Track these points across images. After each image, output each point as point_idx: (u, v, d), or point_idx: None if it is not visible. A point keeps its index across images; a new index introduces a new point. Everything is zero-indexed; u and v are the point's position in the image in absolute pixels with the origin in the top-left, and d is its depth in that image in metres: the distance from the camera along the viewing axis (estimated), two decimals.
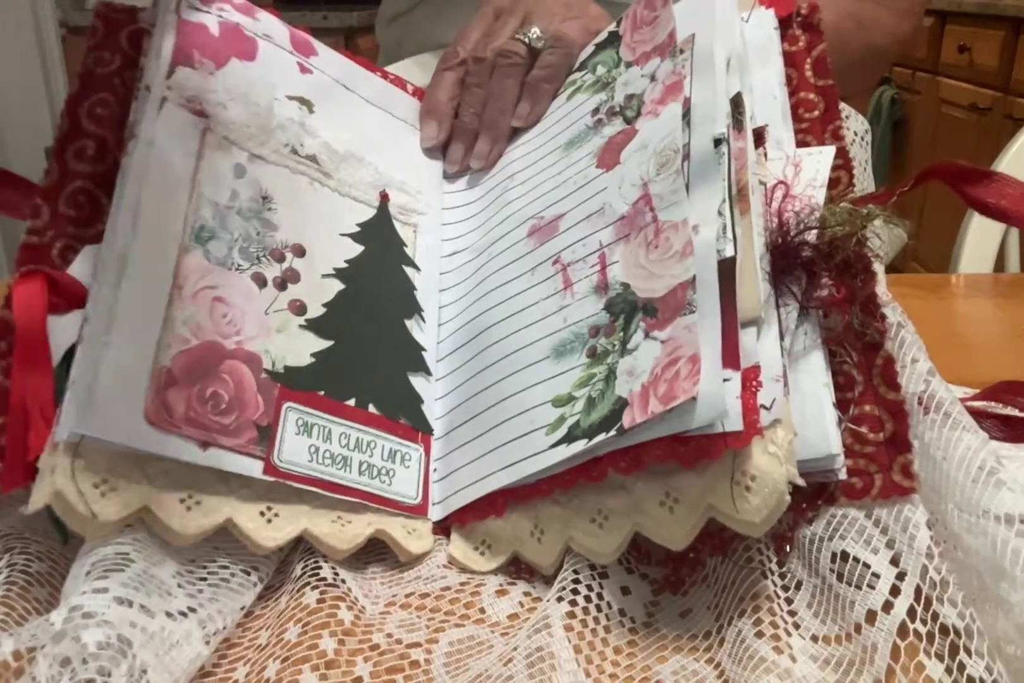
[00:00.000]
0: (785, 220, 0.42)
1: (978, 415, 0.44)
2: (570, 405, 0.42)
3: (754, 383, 0.37)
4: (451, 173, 0.58)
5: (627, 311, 0.42)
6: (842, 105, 0.54)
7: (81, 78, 0.48)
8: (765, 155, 0.45)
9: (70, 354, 0.39)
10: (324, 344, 0.46)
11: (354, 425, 0.44)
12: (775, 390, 0.38)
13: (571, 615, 0.38)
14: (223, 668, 0.37)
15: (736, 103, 0.44)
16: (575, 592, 0.39)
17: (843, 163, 0.46)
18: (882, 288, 0.44)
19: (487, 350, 0.48)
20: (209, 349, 0.41)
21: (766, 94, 0.48)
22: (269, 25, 0.52)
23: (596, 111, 0.51)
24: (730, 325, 0.37)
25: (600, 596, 0.39)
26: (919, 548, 0.37)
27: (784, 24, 0.51)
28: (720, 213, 0.40)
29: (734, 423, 0.36)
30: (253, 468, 0.40)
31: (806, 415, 0.40)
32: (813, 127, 0.48)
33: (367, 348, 0.47)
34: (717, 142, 0.41)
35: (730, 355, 0.37)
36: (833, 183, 0.45)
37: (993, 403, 0.52)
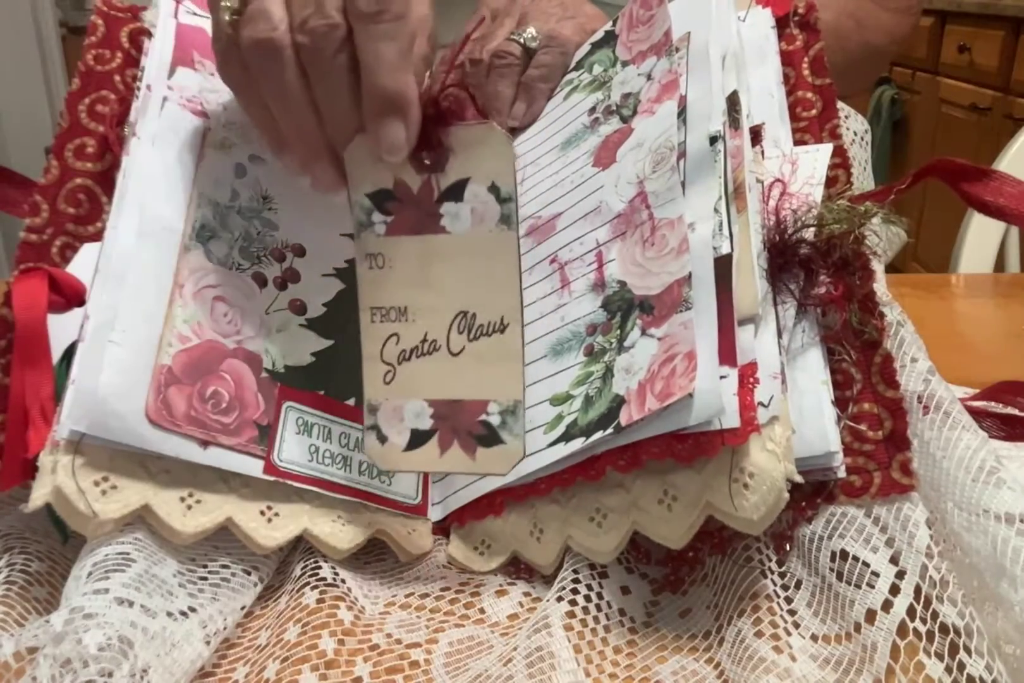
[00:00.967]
0: (783, 218, 0.42)
1: (978, 414, 0.44)
2: (568, 403, 0.42)
3: (751, 380, 0.37)
4: None
5: (624, 309, 0.42)
6: (841, 105, 0.54)
7: (81, 76, 0.48)
8: (762, 153, 0.45)
9: (70, 352, 0.39)
10: (324, 343, 0.46)
11: (354, 425, 0.44)
12: (773, 387, 0.38)
13: (571, 615, 0.38)
14: (223, 668, 0.37)
15: (732, 101, 0.44)
16: (575, 592, 0.39)
17: (841, 161, 0.46)
18: (882, 288, 0.44)
19: None
20: (210, 348, 0.41)
21: (763, 93, 0.48)
22: None
23: (593, 110, 0.51)
24: (727, 322, 0.37)
25: (600, 596, 0.39)
26: (919, 547, 0.37)
27: (781, 23, 0.51)
28: (716, 210, 0.40)
29: (731, 420, 0.36)
30: (253, 467, 0.40)
31: (804, 413, 0.40)
32: (811, 126, 0.48)
33: None
34: (713, 140, 0.41)
35: (727, 352, 0.37)
36: (831, 181, 0.45)
37: (993, 403, 0.52)
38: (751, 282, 0.39)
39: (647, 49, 0.49)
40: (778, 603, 0.38)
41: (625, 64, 0.51)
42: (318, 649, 0.36)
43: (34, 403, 0.38)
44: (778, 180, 0.43)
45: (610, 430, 0.38)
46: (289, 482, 0.41)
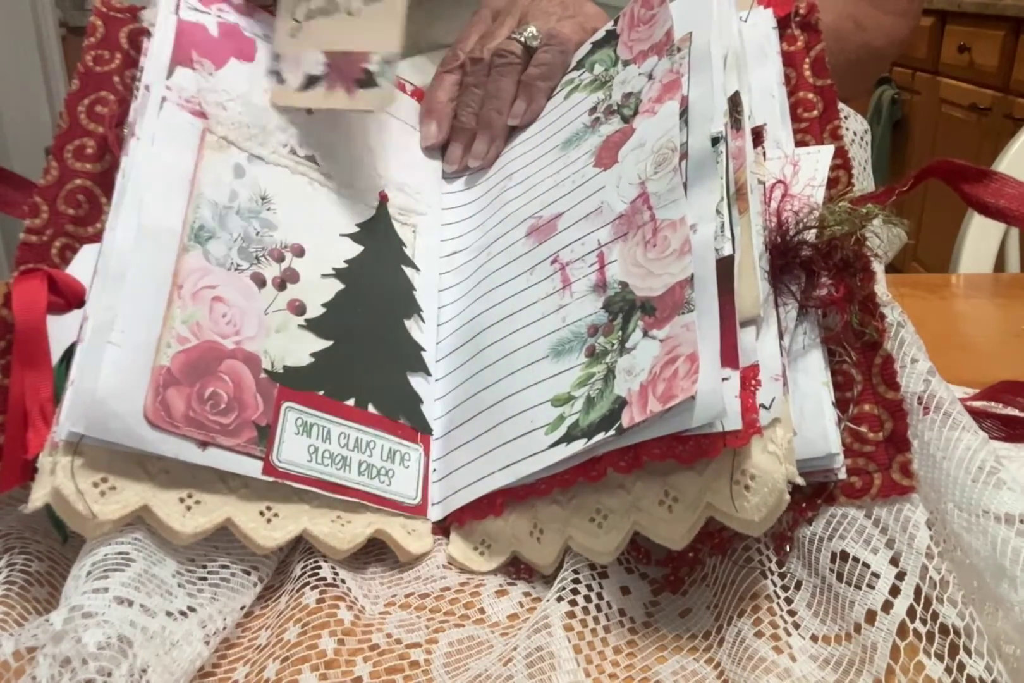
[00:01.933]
0: (784, 219, 0.42)
1: (978, 415, 0.44)
2: (569, 404, 0.42)
3: (753, 382, 0.37)
4: (450, 173, 0.58)
5: (625, 310, 0.42)
6: (840, 105, 0.54)
7: (80, 77, 0.48)
8: (764, 154, 0.45)
9: (69, 353, 0.39)
10: (323, 344, 0.46)
11: (353, 425, 0.44)
12: (774, 389, 0.38)
13: (571, 615, 0.38)
14: (223, 668, 0.37)
15: (734, 102, 0.44)
16: (575, 592, 0.39)
17: (842, 162, 0.46)
18: (882, 288, 0.44)
19: (486, 350, 0.48)
20: (208, 349, 0.41)
21: (764, 94, 0.48)
22: (268, 26, 0.52)
23: (594, 110, 0.51)
24: (729, 324, 0.37)
25: (600, 596, 0.39)
26: (919, 548, 0.37)
27: (782, 24, 0.51)
28: (718, 212, 0.40)
29: (733, 422, 0.36)
30: (252, 468, 0.40)
31: (805, 414, 0.40)
32: (812, 127, 0.48)
33: (367, 348, 0.47)
34: (715, 141, 0.41)
35: (729, 354, 0.37)
36: (832, 183, 0.45)
37: (993, 403, 0.52)
38: (753, 283, 0.39)
39: (648, 49, 0.49)
40: (778, 603, 0.38)
41: (626, 63, 0.51)
42: (318, 649, 0.36)
43: (33, 404, 0.38)
44: (780, 181, 0.43)
45: (612, 432, 0.38)
46: (288, 483, 0.41)
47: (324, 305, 0.47)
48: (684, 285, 0.39)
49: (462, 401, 0.48)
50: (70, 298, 0.41)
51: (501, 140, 0.57)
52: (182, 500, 0.38)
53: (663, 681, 0.36)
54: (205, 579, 0.38)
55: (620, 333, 0.41)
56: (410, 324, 0.50)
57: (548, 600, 0.39)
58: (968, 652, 0.34)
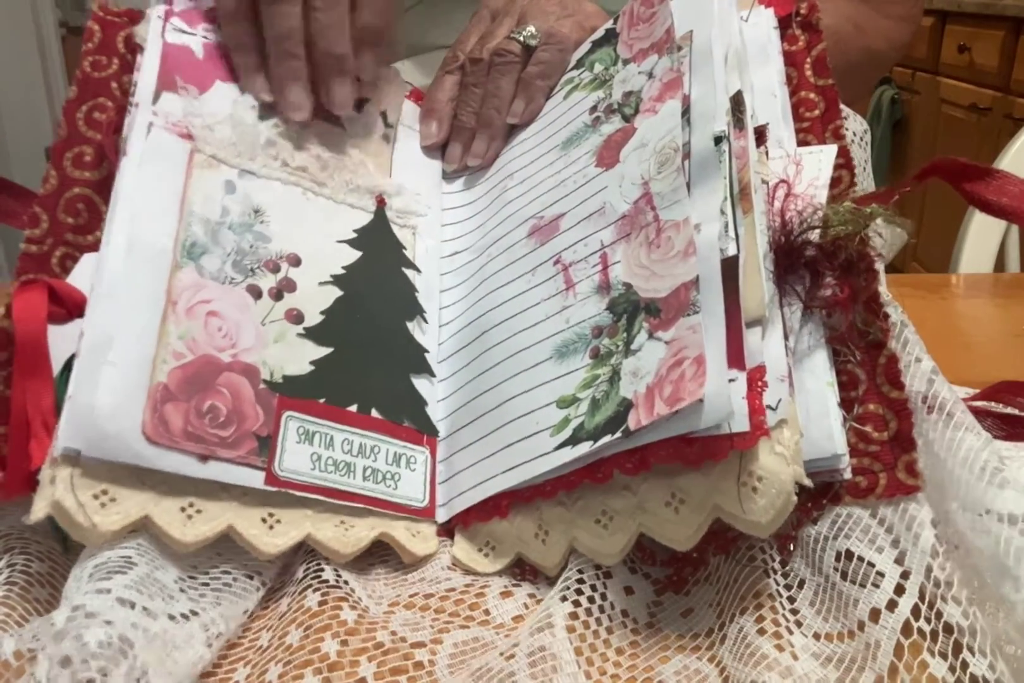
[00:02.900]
0: (788, 219, 0.42)
1: (978, 414, 0.44)
2: (574, 406, 0.42)
3: (759, 383, 0.37)
4: (450, 172, 0.58)
5: (629, 311, 0.41)
6: (841, 106, 0.54)
7: (78, 83, 0.48)
8: (767, 154, 0.45)
9: (70, 364, 0.39)
10: (323, 351, 0.46)
11: (357, 431, 0.44)
12: (781, 390, 0.38)
13: (574, 616, 0.38)
14: (224, 668, 0.37)
15: (737, 101, 0.44)
16: (579, 592, 0.39)
17: (844, 162, 0.46)
18: (883, 288, 0.44)
19: (489, 351, 0.48)
20: (205, 363, 0.41)
21: (766, 93, 0.48)
22: None
23: (594, 109, 0.51)
24: (735, 325, 0.37)
25: (604, 596, 0.39)
26: (923, 547, 0.37)
27: (783, 23, 0.51)
28: (722, 212, 0.39)
29: (740, 424, 0.36)
30: (254, 479, 0.40)
31: (811, 415, 0.40)
32: (814, 126, 0.48)
33: (368, 353, 0.47)
34: (717, 140, 0.41)
35: (735, 355, 0.36)
36: (835, 182, 0.45)
37: (993, 403, 0.52)
38: (758, 284, 0.39)
39: (648, 47, 0.49)
40: (780, 602, 0.38)
41: (626, 62, 0.51)
42: (320, 652, 0.35)
43: (35, 415, 0.38)
44: (783, 181, 0.43)
45: (619, 434, 0.38)
46: (292, 491, 0.41)
47: (322, 312, 0.47)
48: (689, 287, 0.38)
49: (465, 402, 0.48)
50: (71, 307, 0.41)
51: (500, 139, 0.57)
52: (183, 509, 0.38)
53: (666, 681, 0.36)
54: (208, 584, 0.38)
55: (625, 335, 0.41)
56: (412, 326, 0.50)
57: (551, 598, 0.39)
58: (971, 651, 0.34)
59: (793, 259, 0.41)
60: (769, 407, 0.37)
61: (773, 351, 0.39)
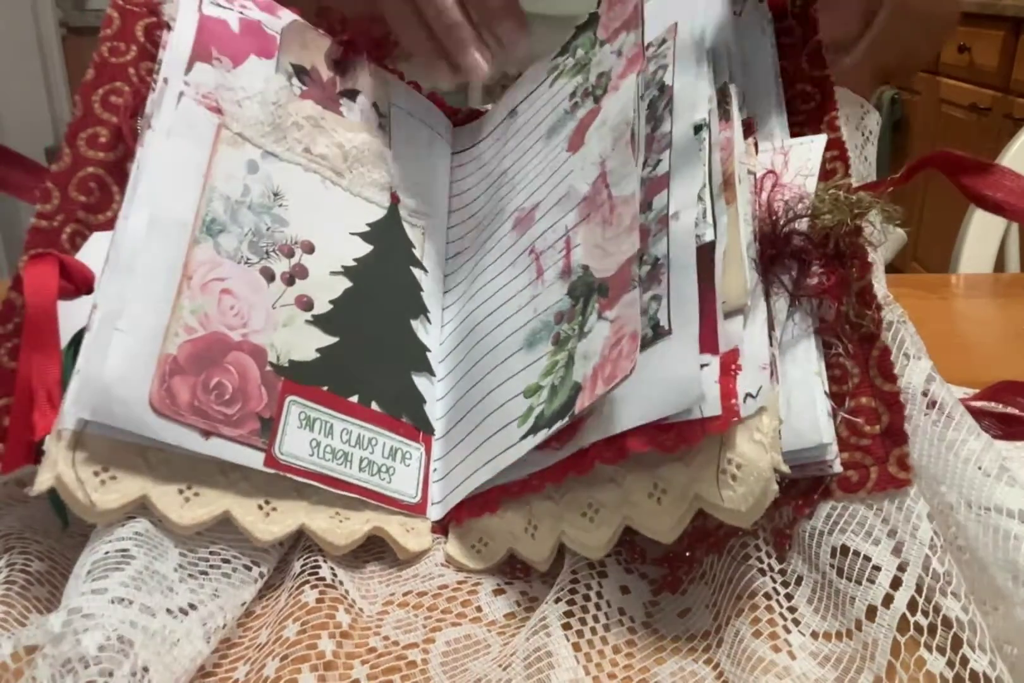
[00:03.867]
0: (775, 209, 0.41)
1: (977, 414, 0.44)
2: (537, 395, 0.41)
3: (733, 367, 0.36)
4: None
5: (585, 294, 0.41)
6: (862, 100, 0.54)
7: (95, 66, 0.48)
8: (756, 146, 0.45)
9: (77, 339, 0.39)
10: (329, 340, 0.46)
11: (356, 421, 0.44)
12: (761, 378, 0.37)
13: (569, 614, 0.38)
14: (224, 667, 0.37)
15: (723, 93, 0.44)
16: (573, 592, 0.39)
17: (839, 153, 0.45)
18: (883, 289, 0.44)
19: (475, 347, 0.48)
20: (215, 340, 0.41)
21: (761, 85, 0.48)
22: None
23: (573, 95, 0.51)
24: (708, 310, 0.37)
25: (599, 594, 0.39)
26: (922, 538, 0.36)
27: (779, 16, 0.51)
28: (700, 198, 0.39)
29: (712, 408, 0.35)
30: (254, 459, 0.40)
31: (796, 405, 0.39)
32: (809, 119, 0.48)
33: (372, 346, 0.47)
34: (697, 128, 0.41)
35: (708, 340, 0.36)
36: (829, 174, 0.45)
37: (993, 403, 0.52)
38: (740, 273, 0.38)
39: (619, 25, 0.49)
40: (777, 601, 0.38)
41: (603, 44, 0.51)
42: (317, 649, 0.36)
43: (41, 387, 0.38)
44: (770, 172, 0.43)
45: (566, 419, 0.38)
46: (289, 475, 0.41)
47: (331, 302, 0.47)
48: (632, 261, 0.38)
49: (458, 400, 0.48)
50: (79, 284, 0.41)
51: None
52: (181, 491, 0.38)
53: (662, 682, 0.36)
54: (206, 573, 0.38)
55: (580, 318, 0.41)
56: (416, 324, 0.50)
57: (547, 601, 0.39)
58: (971, 647, 0.34)
59: (779, 248, 0.41)
60: (749, 395, 0.36)
61: (755, 340, 0.38)
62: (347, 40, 0.54)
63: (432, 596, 0.41)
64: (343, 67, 0.54)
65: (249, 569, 0.40)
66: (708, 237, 0.38)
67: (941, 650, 0.34)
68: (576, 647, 0.37)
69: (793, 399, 0.40)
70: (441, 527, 0.45)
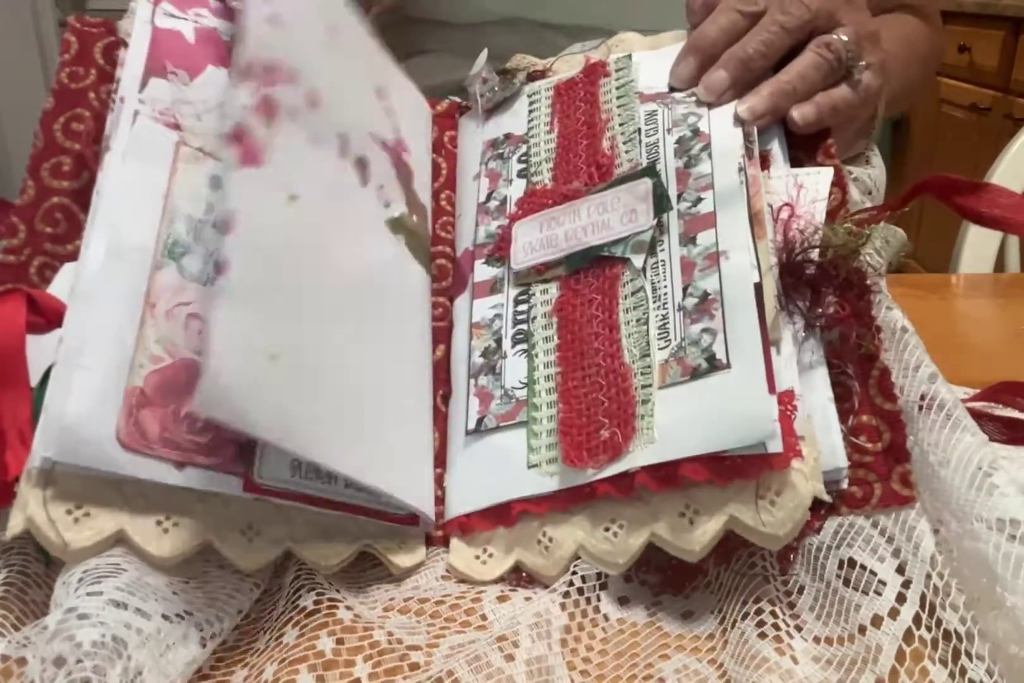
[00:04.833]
0: (791, 238, 0.43)
1: (979, 417, 0.44)
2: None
3: (789, 407, 0.38)
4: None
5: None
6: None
7: (55, 94, 0.47)
8: (769, 177, 0.46)
9: (50, 374, 0.38)
10: None
11: None
12: (800, 408, 0.39)
13: (568, 610, 0.38)
14: (221, 671, 0.37)
15: (746, 132, 0.46)
16: (570, 583, 0.39)
17: (836, 180, 0.46)
18: (882, 294, 0.44)
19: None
20: (184, 366, 0.40)
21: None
22: None
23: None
24: (767, 350, 0.38)
25: (599, 597, 0.39)
26: (923, 556, 0.37)
27: None
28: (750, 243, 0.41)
29: (775, 445, 0.36)
30: (233, 485, 0.39)
31: (813, 430, 0.40)
32: (807, 145, 0.49)
33: None
34: (739, 170, 0.43)
35: (769, 380, 0.38)
36: (831, 202, 0.46)
37: (992, 403, 0.51)
38: (773, 306, 0.40)
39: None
40: (780, 607, 0.38)
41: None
42: (316, 649, 0.35)
43: (11, 426, 0.38)
44: (787, 204, 0.44)
45: None
46: (271, 499, 0.40)
47: None
48: None
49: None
50: (51, 317, 0.40)
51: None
52: (159, 523, 0.38)
53: (666, 678, 0.36)
54: (200, 587, 0.38)
55: None
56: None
57: (545, 598, 0.39)
58: (970, 656, 0.35)
59: (796, 277, 0.42)
60: None
61: (788, 369, 0.40)
62: None
63: (435, 603, 0.40)
64: None
65: (243, 580, 0.39)
66: (755, 278, 0.40)
67: (943, 662, 0.35)
68: (574, 652, 0.37)
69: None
70: (441, 538, 0.44)
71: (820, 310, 0.42)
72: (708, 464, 0.37)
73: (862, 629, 0.36)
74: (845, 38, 0.49)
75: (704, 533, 0.37)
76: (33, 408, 0.38)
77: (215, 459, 0.39)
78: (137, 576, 0.36)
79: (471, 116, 0.56)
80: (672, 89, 0.50)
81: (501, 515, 0.42)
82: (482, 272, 0.49)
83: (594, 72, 0.52)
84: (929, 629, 0.36)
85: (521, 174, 0.51)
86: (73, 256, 0.45)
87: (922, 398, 0.40)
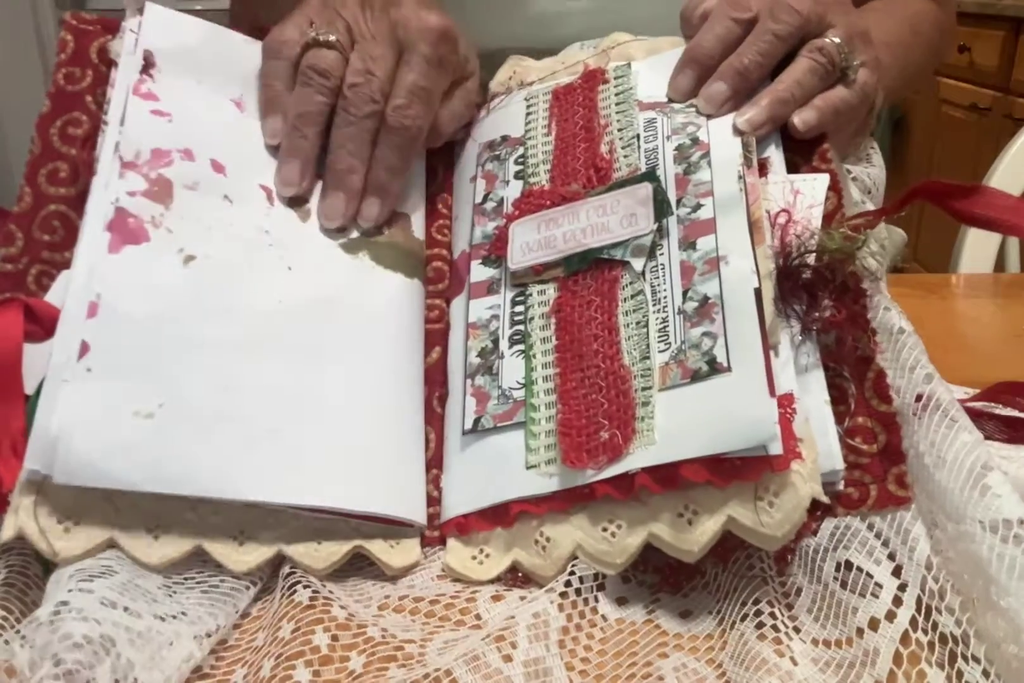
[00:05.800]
0: (787, 243, 0.43)
1: (979, 417, 0.44)
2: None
3: (789, 410, 0.38)
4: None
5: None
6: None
7: (52, 97, 0.47)
8: (766, 184, 0.46)
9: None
10: None
11: None
12: (798, 410, 0.39)
13: (564, 609, 0.38)
14: (221, 670, 0.37)
15: (745, 142, 0.46)
16: (568, 584, 0.39)
17: (832, 184, 0.46)
18: (883, 289, 0.44)
19: None
20: None
21: None
22: None
23: None
24: (767, 354, 0.38)
25: (596, 598, 0.40)
26: (919, 559, 0.38)
27: None
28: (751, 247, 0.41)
29: (776, 448, 0.37)
30: None
31: (811, 432, 0.40)
32: (802, 149, 0.49)
33: None
34: (738, 178, 0.44)
35: (769, 384, 0.38)
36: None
37: (992, 404, 0.52)
38: (771, 310, 0.40)
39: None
40: (779, 609, 0.38)
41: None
42: (312, 644, 0.35)
43: (4, 437, 0.38)
44: (784, 210, 0.44)
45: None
46: (264, 504, 0.40)
47: None
48: None
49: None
50: (48, 326, 0.40)
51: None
52: (149, 530, 0.38)
53: (664, 677, 0.36)
54: (193, 589, 0.38)
55: None
56: None
57: (541, 597, 0.39)
58: (966, 659, 0.35)
59: (793, 282, 0.42)
60: None
61: (786, 374, 0.40)
62: None
63: (429, 602, 0.40)
64: None
65: (238, 579, 0.39)
66: (754, 284, 0.40)
67: (940, 665, 0.35)
68: (572, 654, 0.37)
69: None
70: (438, 538, 0.44)
71: (816, 314, 0.42)
72: (708, 466, 0.37)
73: (859, 632, 0.36)
74: (837, 40, 0.49)
75: (703, 533, 0.37)
76: (28, 418, 0.38)
77: None
78: (129, 578, 0.36)
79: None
80: (671, 99, 0.51)
81: (499, 515, 0.42)
82: (479, 273, 0.49)
83: (593, 79, 0.52)
84: (925, 632, 0.36)
85: (518, 175, 0.51)
86: (70, 263, 0.45)
87: (918, 399, 0.40)
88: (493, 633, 0.36)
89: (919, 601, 0.37)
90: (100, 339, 0.38)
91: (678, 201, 0.45)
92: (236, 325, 0.42)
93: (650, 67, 0.52)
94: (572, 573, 0.40)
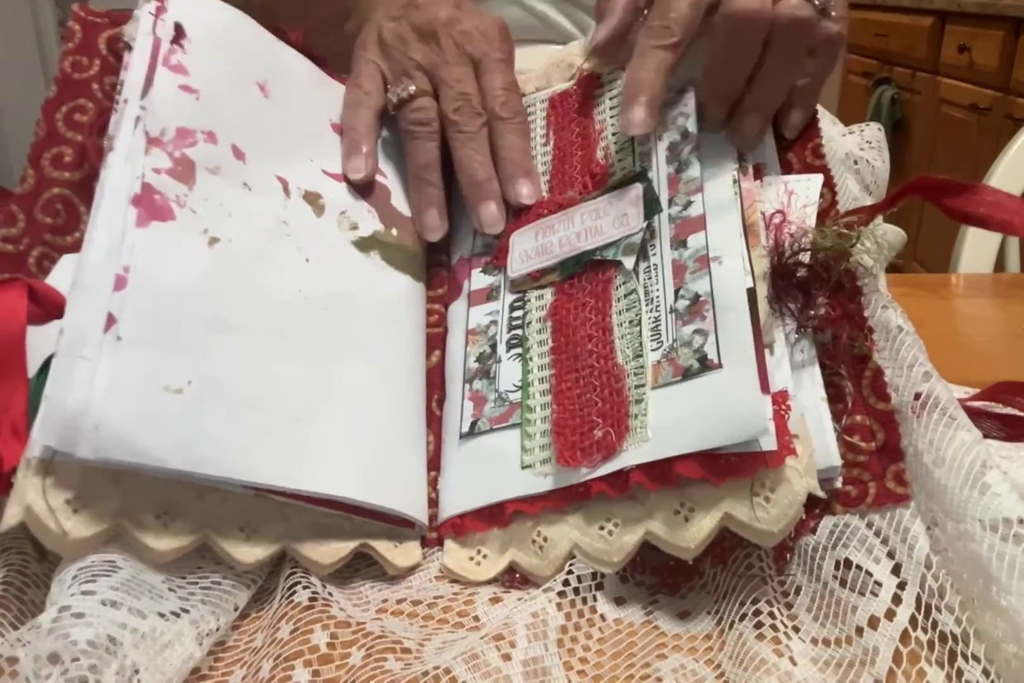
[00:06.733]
0: (781, 241, 0.43)
1: (978, 415, 0.44)
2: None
3: (784, 406, 0.38)
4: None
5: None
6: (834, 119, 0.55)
7: (58, 83, 0.47)
8: (760, 183, 0.47)
9: (48, 364, 0.38)
10: None
11: None
12: (793, 407, 0.39)
13: (563, 608, 0.38)
14: (220, 671, 0.37)
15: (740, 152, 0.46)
16: (566, 584, 0.39)
17: (825, 180, 0.47)
18: (883, 288, 0.44)
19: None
20: None
21: None
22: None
23: None
24: (760, 352, 0.38)
25: (595, 597, 0.39)
26: (918, 558, 0.38)
27: None
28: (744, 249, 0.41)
29: (769, 443, 0.37)
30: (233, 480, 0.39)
31: (807, 428, 0.40)
32: (795, 146, 0.49)
33: None
34: (733, 181, 0.43)
35: (762, 381, 0.38)
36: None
37: (992, 403, 0.52)
38: (766, 310, 0.40)
39: None
40: (778, 608, 0.38)
41: None
42: (310, 644, 0.35)
43: (5, 419, 0.37)
44: (779, 211, 0.44)
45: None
46: (272, 496, 0.40)
47: None
48: None
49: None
50: (50, 308, 0.40)
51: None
52: (158, 517, 0.38)
53: (663, 678, 0.36)
54: (196, 583, 0.38)
55: None
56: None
57: (539, 597, 0.39)
58: (965, 658, 0.35)
59: (787, 280, 0.42)
60: None
61: (781, 371, 0.40)
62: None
63: (427, 605, 0.40)
64: None
65: (239, 576, 0.39)
66: (748, 283, 0.40)
67: (940, 663, 0.35)
68: (571, 653, 0.37)
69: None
70: (436, 539, 0.44)
71: (811, 312, 0.42)
72: (702, 462, 0.37)
73: (859, 630, 0.36)
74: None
75: (699, 530, 0.37)
76: (31, 399, 0.38)
77: None
78: (132, 574, 0.36)
79: None
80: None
81: (495, 515, 0.42)
82: (479, 280, 0.50)
83: (588, 84, 0.53)
84: (925, 631, 0.36)
85: None
86: (72, 248, 0.45)
87: (917, 397, 0.40)
88: (492, 632, 0.36)
89: (919, 599, 0.37)
90: (130, 309, 0.37)
91: (670, 200, 0.45)
92: (260, 311, 0.42)
93: None
94: (570, 573, 0.40)
